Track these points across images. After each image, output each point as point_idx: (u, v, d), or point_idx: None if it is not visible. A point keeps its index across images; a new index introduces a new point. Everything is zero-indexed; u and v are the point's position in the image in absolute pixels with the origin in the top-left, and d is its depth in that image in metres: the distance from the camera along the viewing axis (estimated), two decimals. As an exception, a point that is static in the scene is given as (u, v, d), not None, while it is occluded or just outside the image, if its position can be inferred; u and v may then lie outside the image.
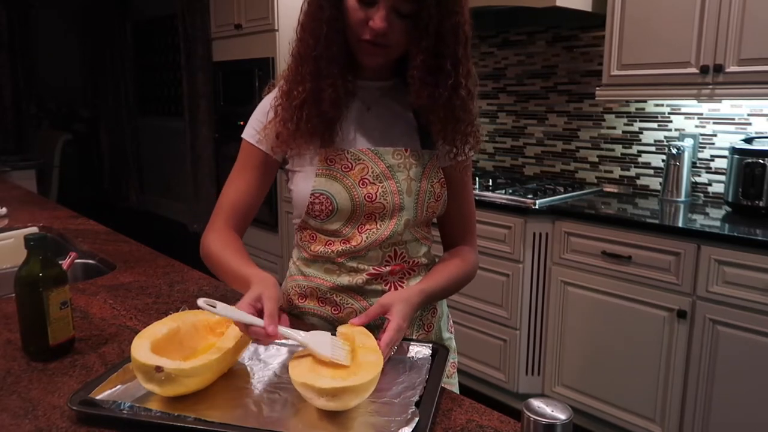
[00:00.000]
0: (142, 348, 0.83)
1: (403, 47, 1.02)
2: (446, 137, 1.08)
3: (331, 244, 1.10)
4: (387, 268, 1.11)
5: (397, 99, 1.12)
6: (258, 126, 1.12)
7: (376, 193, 1.07)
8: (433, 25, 0.97)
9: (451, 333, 1.27)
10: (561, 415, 0.66)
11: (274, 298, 0.89)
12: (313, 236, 1.12)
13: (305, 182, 1.08)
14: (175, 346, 0.90)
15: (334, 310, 1.12)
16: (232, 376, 0.92)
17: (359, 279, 1.10)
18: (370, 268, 1.10)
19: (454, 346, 1.26)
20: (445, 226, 1.21)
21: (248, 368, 0.95)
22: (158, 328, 0.91)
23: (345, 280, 1.11)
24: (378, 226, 1.08)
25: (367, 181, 1.07)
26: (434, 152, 1.12)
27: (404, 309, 0.98)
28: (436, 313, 1.20)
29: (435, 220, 1.19)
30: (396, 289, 1.12)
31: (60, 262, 1.12)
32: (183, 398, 0.83)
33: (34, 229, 1.94)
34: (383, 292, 1.10)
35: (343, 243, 1.09)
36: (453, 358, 1.24)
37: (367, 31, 0.97)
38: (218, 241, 1.10)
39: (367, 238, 1.08)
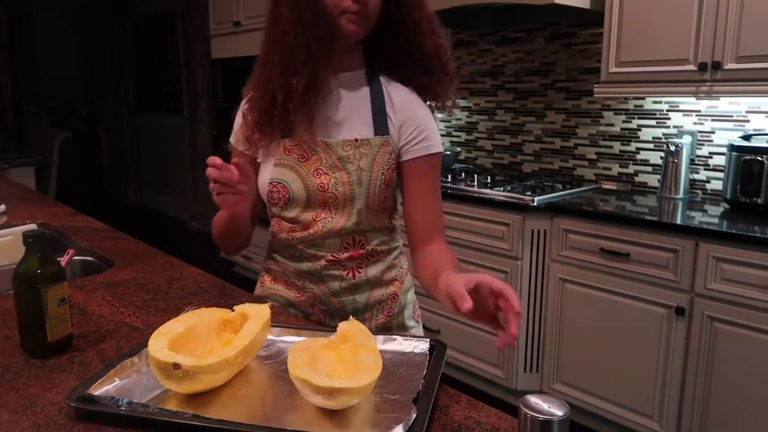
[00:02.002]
0: (159, 345, 0.84)
1: (377, 13, 1.08)
2: (431, 75, 1.16)
3: (293, 231, 1.16)
4: (345, 254, 1.16)
5: (352, 88, 1.16)
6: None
7: (328, 183, 1.12)
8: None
9: (417, 322, 1.30)
10: (558, 412, 0.66)
11: None
12: (279, 224, 1.19)
13: (266, 172, 1.15)
14: (192, 343, 0.91)
15: (298, 293, 1.20)
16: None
17: (318, 265, 1.16)
18: (328, 254, 1.16)
19: (420, 334, 1.30)
20: (413, 221, 1.19)
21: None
22: (175, 326, 0.91)
23: (305, 266, 1.17)
24: (332, 215, 1.14)
25: (321, 171, 1.12)
26: (387, 138, 1.14)
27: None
28: (397, 299, 1.24)
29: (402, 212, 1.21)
30: (354, 275, 1.17)
31: (58, 259, 1.12)
32: (180, 395, 0.84)
33: (32, 226, 1.94)
34: (341, 277, 1.17)
35: (303, 230, 1.15)
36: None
37: (347, 2, 1.04)
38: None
39: (323, 226, 1.13)
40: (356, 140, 1.13)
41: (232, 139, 1.22)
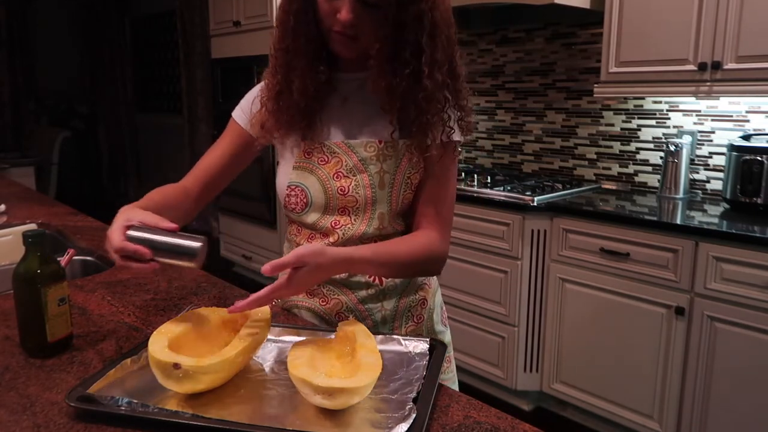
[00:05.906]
0: (159, 345, 0.83)
1: (371, 40, 1.00)
2: (418, 127, 1.05)
3: (313, 237, 1.12)
4: None
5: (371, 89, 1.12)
6: (246, 108, 1.17)
7: (348, 186, 1.08)
8: (391, 13, 0.96)
9: (445, 326, 1.26)
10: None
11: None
12: (298, 230, 1.15)
13: (284, 175, 1.12)
14: (191, 343, 0.91)
15: (322, 301, 1.14)
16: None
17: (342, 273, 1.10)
18: None
19: (448, 339, 1.26)
20: (415, 205, 1.14)
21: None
22: (175, 326, 0.91)
23: None
24: (352, 221, 1.09)
25: (341, 174, 1.09)
26: (413, 141, 1.10)
27: (312, 268, 0.92)
28: (426, 304, 1.20)
29: None
30: (381, 281, 1.12)
31: (58, 258, 1.12)
32: (180, 394, 0.84)
33: (32, 226, 1.94)
34: (368, 284, 1.12)
35: (323, 237, 1.11)
36: (448, 352, 1.24)
37: (336, 23, 0.99)
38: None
39: (343, 234, 1.09)
40: (380, 141, 1.08)
41: (237, 115, 1.19)
